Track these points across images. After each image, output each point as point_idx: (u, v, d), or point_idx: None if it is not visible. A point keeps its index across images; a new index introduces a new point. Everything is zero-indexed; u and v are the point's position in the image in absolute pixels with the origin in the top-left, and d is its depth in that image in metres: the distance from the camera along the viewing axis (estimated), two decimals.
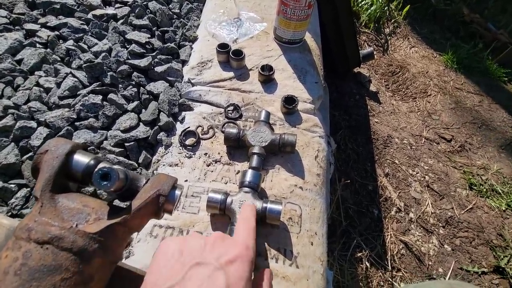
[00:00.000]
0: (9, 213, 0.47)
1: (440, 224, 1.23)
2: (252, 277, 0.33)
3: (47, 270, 0.26)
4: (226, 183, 0.56)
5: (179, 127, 0.63)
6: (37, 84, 0.63)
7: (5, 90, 0.61)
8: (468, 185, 1.37)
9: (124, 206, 0.34)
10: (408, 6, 2.14)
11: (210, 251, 0.31)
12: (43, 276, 0.26)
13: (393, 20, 2.13)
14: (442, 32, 2.25)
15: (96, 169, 0.30)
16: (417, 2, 2.28)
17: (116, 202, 0.51)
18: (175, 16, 0.87)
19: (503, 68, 2.03)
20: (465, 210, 1.28)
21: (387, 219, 1.20)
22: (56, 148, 0.33)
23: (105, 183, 0.30)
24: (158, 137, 0.61)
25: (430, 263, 1.12)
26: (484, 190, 1.35)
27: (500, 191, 1.35)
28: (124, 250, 0.47)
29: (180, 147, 0.60)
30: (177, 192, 0.36)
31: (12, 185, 0.49)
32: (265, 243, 0.49)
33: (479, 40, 2.18)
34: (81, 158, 0.34)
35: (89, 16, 0.79)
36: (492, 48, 2.08)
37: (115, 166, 0.33)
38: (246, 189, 0.50)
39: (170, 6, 0.90)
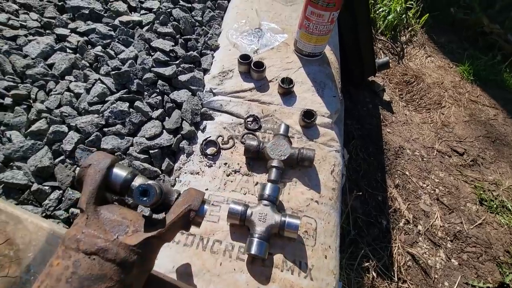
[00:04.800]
0: (43, 214, 0.51)
1: (448, 238, 1.23)
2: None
3: (94, 279, 0.29)
4: (245, 194, 0.58)
5: (201, 136, 0.66)
6: (68, 89, 0.66)
7: (38, 94, 0.64)
8: (479, 200, 1.36)
9: (158, 218, 0.36)
10: (427, 14, 2.11)
11: None
12: (91, 284, 0.28)
13: (410, 28, 2.11)
14: (460, 42, 2.22)
15: (136, 186, 0.33)
16: (436, 11, 2.25)
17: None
18: (197, 24, 0.89)
19: None
20: (474, 225, 1.28)
21: (395, 231, 1.21)
22: (98, 163, 0.36)
23: (144, 199, 0.33)
24: (180, 145, 0.63)
25: (436, 276, 1.13)
26: (495, 206, 1.34)
27: (510, 207, 1.34)
28: None
29: (201, 156, 0.63)
30: (206, 206, 0.39)
31: (46, 187, 0.53)
32: (282, 255, 0.51)
33: (498, 51, 2.14)
34: (119, 172, 0.37)
35: (116, 22, 0.82)
36: (510, 60, 2.04)
37: (150, 181, 0.35)
38: (266, 202, 0.52)
39: (193, 13, 0.92)
